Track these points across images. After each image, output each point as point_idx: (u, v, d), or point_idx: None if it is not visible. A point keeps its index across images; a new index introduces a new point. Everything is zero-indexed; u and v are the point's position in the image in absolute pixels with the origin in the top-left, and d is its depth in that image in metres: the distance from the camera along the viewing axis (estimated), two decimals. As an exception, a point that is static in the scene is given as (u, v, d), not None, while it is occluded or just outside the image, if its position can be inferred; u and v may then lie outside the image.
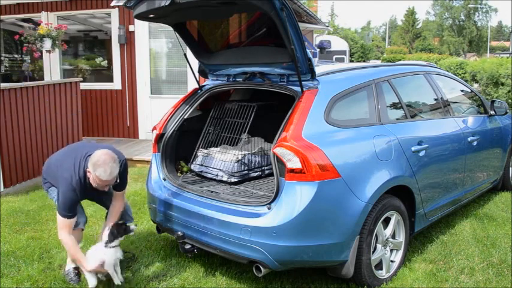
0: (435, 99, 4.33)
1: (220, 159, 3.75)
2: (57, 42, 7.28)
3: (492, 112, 4.96)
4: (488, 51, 55.68)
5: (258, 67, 3.51)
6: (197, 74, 4.01)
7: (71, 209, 3.11)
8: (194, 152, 3.95)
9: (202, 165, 3.84)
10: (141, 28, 8.28)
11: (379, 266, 3.35)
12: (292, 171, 2.86)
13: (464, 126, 4.37)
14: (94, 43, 9.55)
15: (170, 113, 3.87)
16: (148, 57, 8.47)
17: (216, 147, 3.93)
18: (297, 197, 2.85)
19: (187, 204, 3.35)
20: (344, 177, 2.95)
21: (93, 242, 3.73)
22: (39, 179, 6.11)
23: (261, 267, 2.94)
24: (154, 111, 8.30)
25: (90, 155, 3.08)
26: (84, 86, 8.11)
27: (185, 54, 3.84)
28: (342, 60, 19.17)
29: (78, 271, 3.43)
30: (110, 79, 8.69)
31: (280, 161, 2.92)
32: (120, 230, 3.21)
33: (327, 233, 2.96)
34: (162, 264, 3.66)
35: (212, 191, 3.40)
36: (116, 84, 8.62)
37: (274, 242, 2.85)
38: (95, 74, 9.14)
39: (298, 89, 3.16)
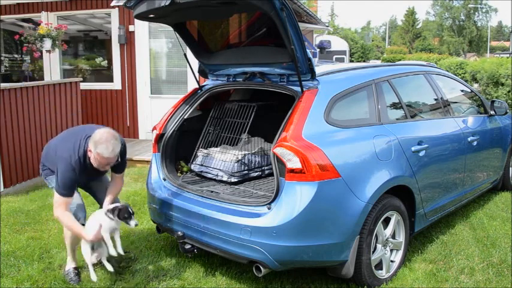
0: (435, 99, 4.33)
1: (220, 159, 3.75)
2: (57, 42, 7.28)
3: (492, 112, 4.96)
4: (488, 51, 55.68)
5: (258, 67, 3.51)
6: (197, 74, 4.01)
7: (69, 188, 3.10)
8: (194, 152, 3.95)
9: (202, 165, 3.84)
10: (141, 28, 8.28)
11: (379, 266, 3.35)
12: (292, 171, 2.86)
13: (464, 126, 4.37)
14: (94, 43, 9.56)
15: (170, 113, 3.87)
16: (148, 57, 8.47)
17: (216, 147, 3.93)
18: (297, 197, 2.85)
19: (187, 204, 3.35)
20: (344, 177, 2.95)
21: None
22: (39, 179, 6.12)
23: (261, 267, 2.94)
24: (154, 111, 8.30)
25: (89, 136, 3.08)
26: (84, 86, 8.11)
27: (185, 54, 3.84)
28: (342, 60, 19.16)
29: (78, 271, 3.44)
30: (110, 79, 8.69)
31: (280, 161, 2.92)
32: (121, 214, 3.17)
33: (327, 233, 2.96)
34: (162, 264, 3.66)
35: (212, 191, 3.40)
36: (116, 84, 8.62)
37: (274, 242, 2.85)
38: (95, 74, 9.14)
39: (298, 89, 3.16)
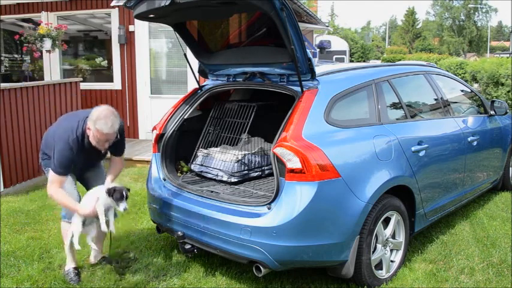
0: (435, 99, 4.33)
1: (220, 159, 3.75)
2: (57, 42, 7.28)
3: (492, 112, 4.96)
4: (488, 51, 55.67)
5: (258, 67, 3.51)
6: (197, 74, 4.01)
7: (65, 167, 3.09)
8: (194, 152, 3.95)
9: (202, 165, 3.84)
10: (141, 28, 8.28)
11: (379, 266, 3.35)
12: (292, 171, 2.86)
13: (464, 126, 4.37)
14: (94, 43, 9.56)
15: (170, 113, 3.87)
16: (148, 57, 8.47)
17: (216, 147, 3.93)
18: (297, 197, 2.85)
19: (187, 204, 3.35)
20: (344, 177, 2.95)
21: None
22: (39, 179, 6.13)
23: (261, 267, 2.94)
24: (154, 111, 8.30)
25: (88, 117, 3.08)
26: (84, 86, 8.10)
27: (185, 54, 3.84)
28: (342, 60, 19.16)
29: (78, 271, 3.43)
30: (110, 79, 8.69)
31: (280, 161, 2.92)
32: (116, 194, 3.15)
33: (327, 233, 2.96)
34: (162, 264, 3.66)
35: (212, 191, 3.40)
36: (116, 84, 8.62)
37: (274, 242, 2.85)
38: (95, 74, 9.14)
39: (298, 89, 3.16)
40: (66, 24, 8.34)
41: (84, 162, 3.35)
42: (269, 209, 2.93)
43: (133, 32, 8.33)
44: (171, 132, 3.77)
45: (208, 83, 3.97)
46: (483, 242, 4.06)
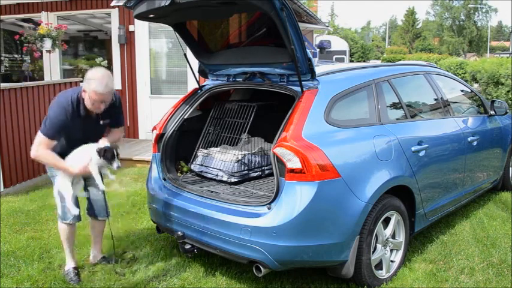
0: (435, 99, 4.33)
1: (220, 159, 3.75)
2: (57, 42, 7.29)
3: (492, 112, 4.95)
4: (488, 51, 55.66)
5: (258, 67, 3.51)
6: (197, 74, 4.01)
7: (56, 131, 3.06)
8: (194, 152, 3.95)
9: (202, 165, 3.84)
10: (141, 28, 8.28)
11: (379, 266, 3.35)
12: (292, 171, 2.86)
13: (464, 126, 4.37)
14: (94, 43, 9.57)
15: (170, 113, 3.87)
16: (148, 57, 8.47)
17: (216, 147, 3.93)
18: (297, 197, 2.85)
19: (187, 204, 3.35)
20: (344, 177, 2.95)
21: (89, 243, 3.74)
22: (39, 179, 6.13)
23: (261, 267, 2.94)
24: (154, 111, 8.30)
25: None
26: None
27: (185, 54, 3.84)
28: (342, 60, 19.17)
29: (77, 271, 3.43)
30: (110, 79, 8.68)
31: (280, 161, 2.92)
32: (107, 154, 3.16)
33: (327, 233, 2.96)
34: (162, 264, 3.66)
35: (212, 191, 3.40)
36: (116, 84, 8.57)
37: (274, 242, 2.85)
38: (95, 74, 9.13)
39: (298, 89, 3.16)
40: (66, 24, 8.34)
41: (80, 134, 3.23)
42: (269, 209, 2.93)
43: (133, 32, 8.33)
44: (171, 132, 3.77)
45: (208, 83, 3.97)
46: (483, 242, 4.06)
